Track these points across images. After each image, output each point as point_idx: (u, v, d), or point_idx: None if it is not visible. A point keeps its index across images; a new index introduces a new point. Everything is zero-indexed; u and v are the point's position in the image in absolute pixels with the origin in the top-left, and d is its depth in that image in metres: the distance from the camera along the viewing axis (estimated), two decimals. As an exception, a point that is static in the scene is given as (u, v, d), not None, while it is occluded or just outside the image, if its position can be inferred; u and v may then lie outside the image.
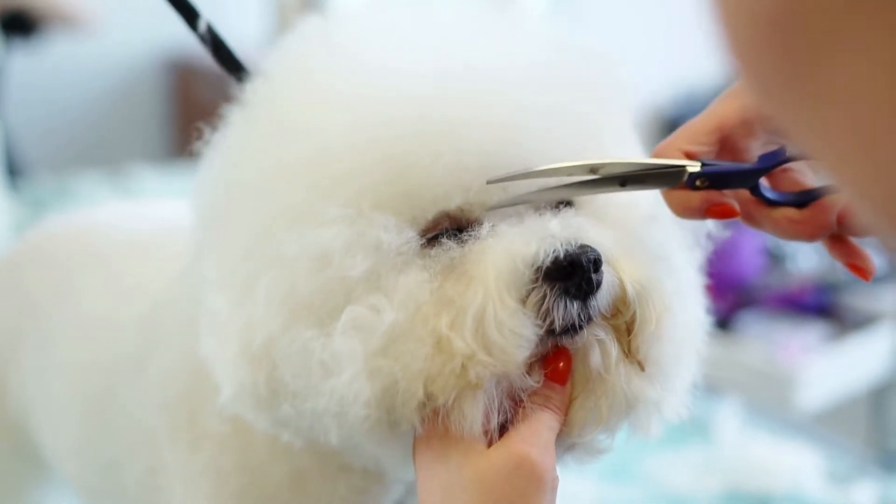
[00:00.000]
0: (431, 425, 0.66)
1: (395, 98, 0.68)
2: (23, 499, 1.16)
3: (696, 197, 0.68)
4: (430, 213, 0.68)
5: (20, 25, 2.63)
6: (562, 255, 0.64)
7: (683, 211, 0.69)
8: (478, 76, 0.69)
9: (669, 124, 3.40)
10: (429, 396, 0.65)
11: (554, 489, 0.64)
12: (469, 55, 0.70)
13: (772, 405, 2.19)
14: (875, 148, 0.33)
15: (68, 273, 1.04)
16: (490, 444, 0.66)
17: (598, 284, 0.66)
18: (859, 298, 2.47)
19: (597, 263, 0.65)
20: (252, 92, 0.74)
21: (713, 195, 0.68)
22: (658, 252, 0.72)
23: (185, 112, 3.88)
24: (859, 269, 0.69)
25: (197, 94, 3.75)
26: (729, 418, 1.65)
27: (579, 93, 0.73)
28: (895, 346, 2.05)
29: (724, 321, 2.40)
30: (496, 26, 0.75)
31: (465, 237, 0.68)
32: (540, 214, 0.69)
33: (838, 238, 0.69)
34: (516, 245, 0.66)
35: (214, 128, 0.75)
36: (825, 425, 2.34)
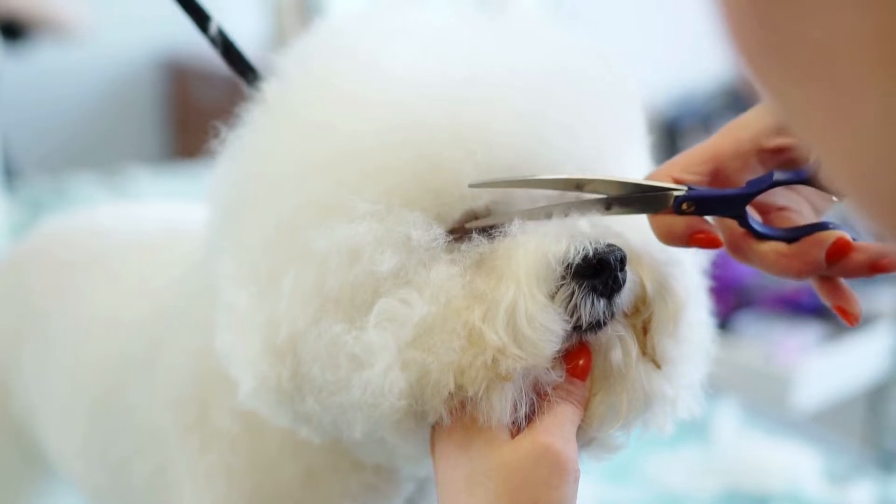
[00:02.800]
0: (455, 416, 0.67)
1: (425, 100, 0.69)
2: (25, 501, 1.16)
3: (680, 223, 0.68)
4: (457, 212, 0.69)
5: (8, 32, 2.64)
6: (591, 253, 0.66)
7: (667, 237, 0.69)
8: (505, 79, 0.70)
9: (667, 126, 3.40)
10: (458, 388, 0.66)
11: (576, 480, 0.65)
12: (494, 59, 0.71)
13: (769, 405, 2.19)
14: (847, 122, 0.34)
15: (71, 274, 1.04)
16: (514, 436, 0.67)
17: (624, 282, 0.68)
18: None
19: (622, 262, 0.67)
20: (271, 93, 0.74)
21: (698, 222, 0.68)
22: (670, 253, 0.72)
23: (180, 113, 3.87)
24: (845, 312, 0.69)
25: (192, 95, 3.75)
26: (727, 418, 1.65)
27: (600, 97, 0.74)
28: (892, 346, 2.06)
29: (721, 321, 2.40)
30: (514, 30, 0.75)
31: (495, 233, 0.69)
32: (565, 214, 0.70)
33: (827, 279, 0.69)
34: (547, 242, 0.67)
35: (228, 127, 0.75)
36: (822, 425, 2.35)
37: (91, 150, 3.77)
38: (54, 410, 1.01)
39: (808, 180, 0.67)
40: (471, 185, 0.68)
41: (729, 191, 0.68)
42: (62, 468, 1.06)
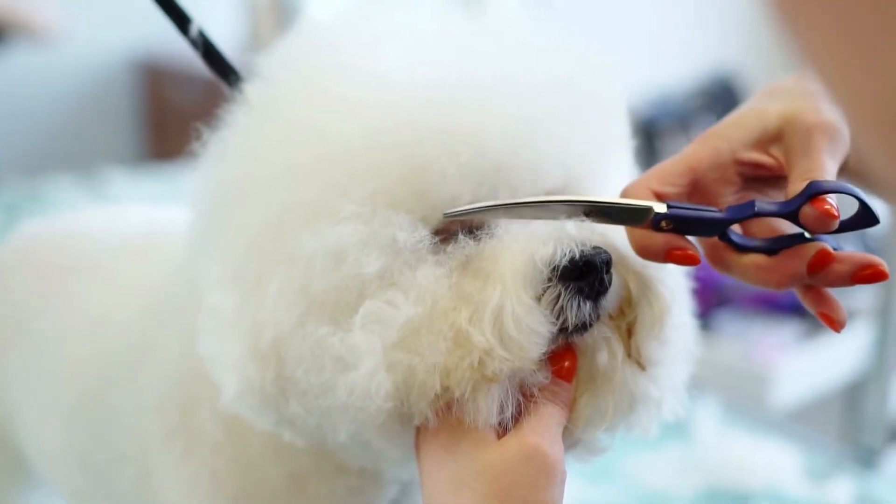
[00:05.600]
0: (441, 418, 0.67)
1: (413, 102, 0.69)
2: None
3: (658, 238, 0.69)
4: (440, 212, 0.69)
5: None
6: (577, 256, 0.66)
7: (644, 251, 0.70)
8: (494, 83, 0.70)
9: (644, 126, 3.41)
10: (445, 389, 0.66)
11: (563, 481, 0.66)
12: (483, 62, 0.71)
13: (748, 403, 2.21)
14: (881, 50, 0.34)
15: (57, 277, 1.03)
16: (500, 437, 0.67)
17: (609, 285, 0.68)
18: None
19: (608, 265, 0.67)
20: (254, 94, 0.74)
21: (676, 239, 0.69)
22: None
23: (156, 114, 3.85)
24: (830, 319, 0.69)
25: (167, 95, 3.73)
26: (707, 417, 1.66)
27: (589, 103, 0.74)
28: (869, 343, 2.07)
29: (699, 320, 2.40)
30: (501, 33, 0.75)
31: (480, 234, 0.69)
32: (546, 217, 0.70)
33: (811, 287, 0.69)
34: (534, 244, 0.67)
35: (208, 128, 0.74)
36: (801, 422, 2.36)
37: (66, 152, 3.74)
38: (39, 413, 1.01)
39: (787, 215, 0.67)
40: (445, 215, 0.68)
41: (709, 215, 0.69)
42: (44, 472, 1.05)
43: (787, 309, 2.46)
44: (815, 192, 0.65)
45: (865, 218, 0.67)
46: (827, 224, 0.65)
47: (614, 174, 0.76)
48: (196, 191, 0.75)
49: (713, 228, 0.69)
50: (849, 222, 0.67)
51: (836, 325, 0.69)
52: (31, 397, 1.01)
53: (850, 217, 0.67)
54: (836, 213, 0.65)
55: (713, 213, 0.69)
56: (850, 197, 0.67)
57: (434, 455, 0.67)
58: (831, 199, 0.65)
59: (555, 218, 0.70)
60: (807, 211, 0.66)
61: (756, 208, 0.68)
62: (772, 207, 0.68)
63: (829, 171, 0.67)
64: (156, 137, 3.87)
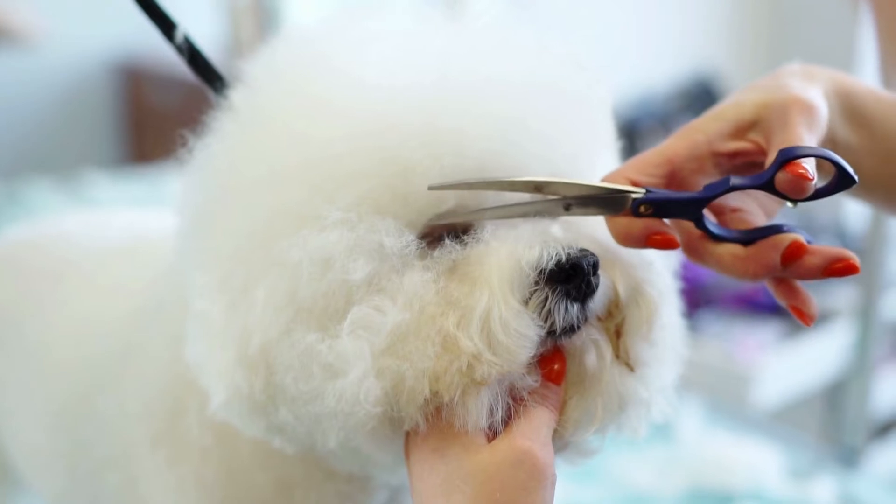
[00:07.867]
0: (431, 422, 0.67)
1: (397, 106, 0.69)
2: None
3: (638, 224, 0.69)
4: (425, 217, 0.69)
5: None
6: (564, 259, 0.66)
7: (625, 238, 0.70)
8: (478, 86, 0.70)
9: (626, 127, 3.42)
10: (434, 394, 0.66)
11: (553, 484, 0.65)
12: (467, 66, 0.71)
13: (730, 403, 2.21)
14: None
15: (42, 281, 1.03)
16: (490, 440, 0.67)
17: (597, 287, 0.68)
18: (814, 297, 2.49)
19: (595, 267, 0.67)
20: (240, 100, 0.73)
21: (655, 224, 0.69)
22: (642, 257, 0.73)
23: (134, 117, 3.83)
24: (801, 312, 0.70)
25: (146, 98, 3.71)
26: (690, 417, 1.66)
27: (574, 104, 0.74)
28: (849, 343, 2.08)
29: (684, 321, 2.41)
30: (485, 36, 0.76)
31: (467, 239, 0.69)
32: (536, 221, 0.71)
33: (782, 280, 0.70)
34: (520, 248, 0.67)
35: (191, 133, 0.74)
36: (782, 422, 2.37)
37: (46, 155, 3.72)
38: (25, 416, 1.00)
39: (763, 186, 0.67)
40: (430, 188, 0.68)
41: (686, 194, 0.69)
42: (30, 477, 1.05)
43: (767, 309, 2.47)
44: (788, 157, 0.66)
45: (842, 181, 0.67)
46: (801, 187, 0.65)
47: (602, 174, 0.76)
48: (182, 196, 0.74)
49: (692, 207, 0.69)
50: (826, 188, 0.67)
51: (806, 318, 0.70)
52: (17, 401, 1.01)
53: (826, 183, 0.68)
54: (809, 176, 0.65)
55: (690, 193, 0.69)
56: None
57: (424, 459, 0.67)
58: (805, 163, 0.65)
59: (535, 212, 0.70)
60: (780, 177, 0.66)
61: (731, 182, 0.68)
62: (747, 181, 0.68)
63: (805, 141, 0.68)
64: (135, 140, 3.85)
